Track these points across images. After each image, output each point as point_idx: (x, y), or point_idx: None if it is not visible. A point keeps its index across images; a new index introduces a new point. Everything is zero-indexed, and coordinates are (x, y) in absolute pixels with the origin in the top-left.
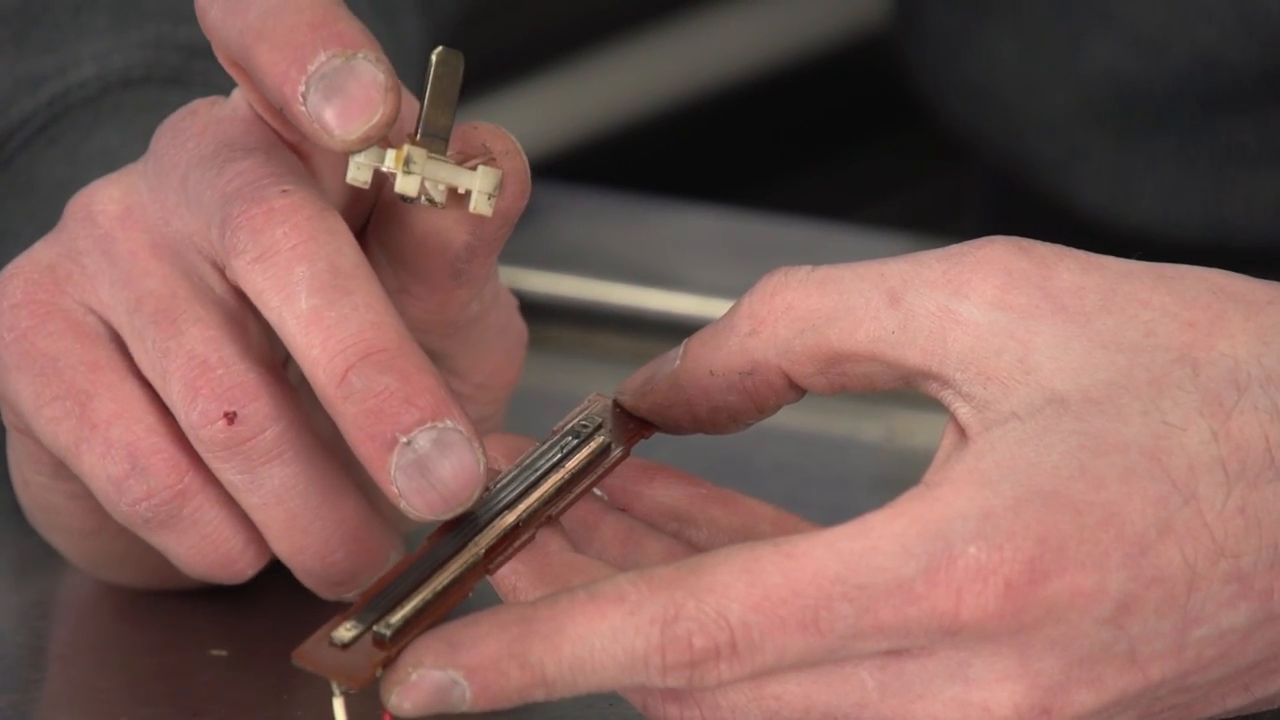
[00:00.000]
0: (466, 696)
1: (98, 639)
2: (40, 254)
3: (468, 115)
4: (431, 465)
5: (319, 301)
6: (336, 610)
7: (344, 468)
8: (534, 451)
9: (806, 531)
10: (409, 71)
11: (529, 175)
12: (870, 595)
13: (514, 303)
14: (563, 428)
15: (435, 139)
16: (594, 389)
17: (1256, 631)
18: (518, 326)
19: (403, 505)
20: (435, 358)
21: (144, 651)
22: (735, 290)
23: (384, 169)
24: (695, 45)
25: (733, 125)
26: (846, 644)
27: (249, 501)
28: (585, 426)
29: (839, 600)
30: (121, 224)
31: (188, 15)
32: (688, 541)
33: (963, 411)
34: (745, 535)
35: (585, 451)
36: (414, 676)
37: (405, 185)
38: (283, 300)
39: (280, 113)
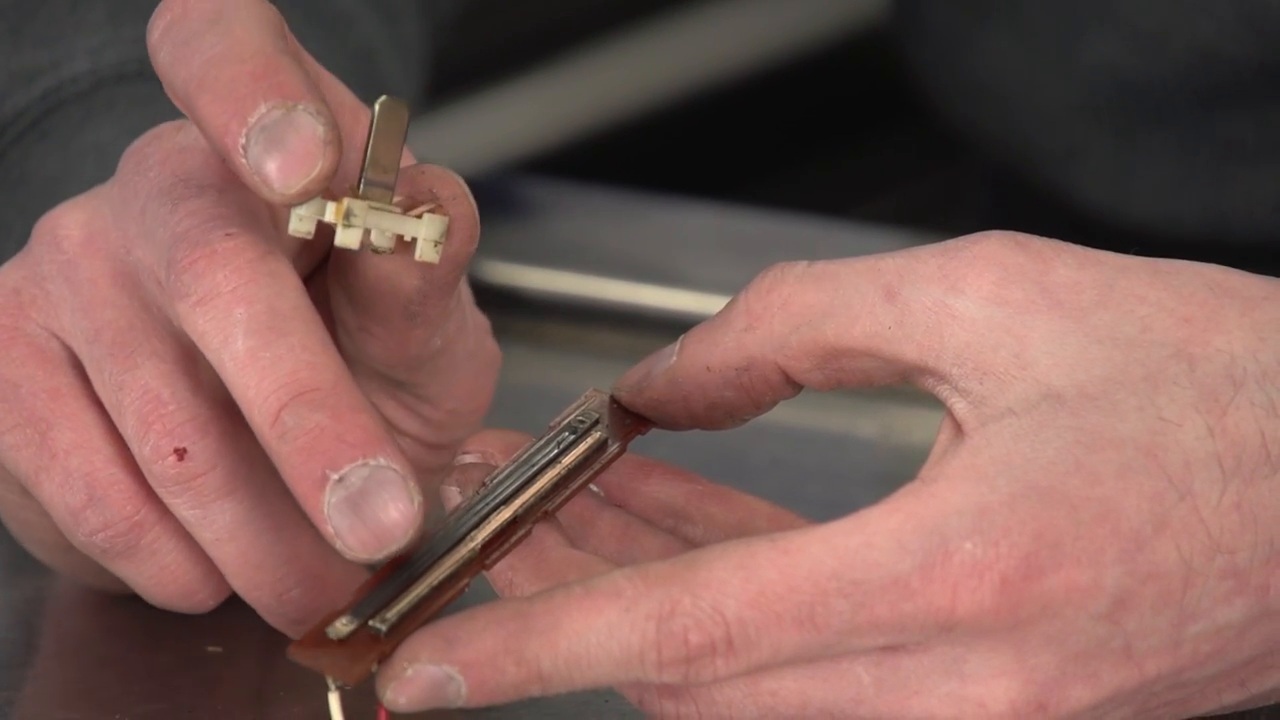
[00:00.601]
0: (462, 692)
1: (92, 636)
2: (6, 277)
3: (467, 112)
4: (364, 503)
5: (255, 343)
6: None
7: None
8: (530, 447)
9: (802, 527)
10: (410, 73)
11: (477, 219)
12: (866, 591)
13: (485, 325)
14: (559, 423)
15: (379, 187)
16: (591, 385)
17: (1252, 627)
18: (489, 350)
19: (338, 545)
20: (403, 388)
21: (138, 648)
22: (732, 286)
23: (325, 220)
24: (693, 41)
25: (730, 121)
26: (842, 640)
27: (202, 537)
28: (582, 422)
29: (835, 596)
30: (84, 250)
31: None
32: (684, 537)
33: (959, 406)
34: (741, 531)
35: (582, 447)
36: (409, 672)
37: (346, 238)
38: (221, 343)
39: None
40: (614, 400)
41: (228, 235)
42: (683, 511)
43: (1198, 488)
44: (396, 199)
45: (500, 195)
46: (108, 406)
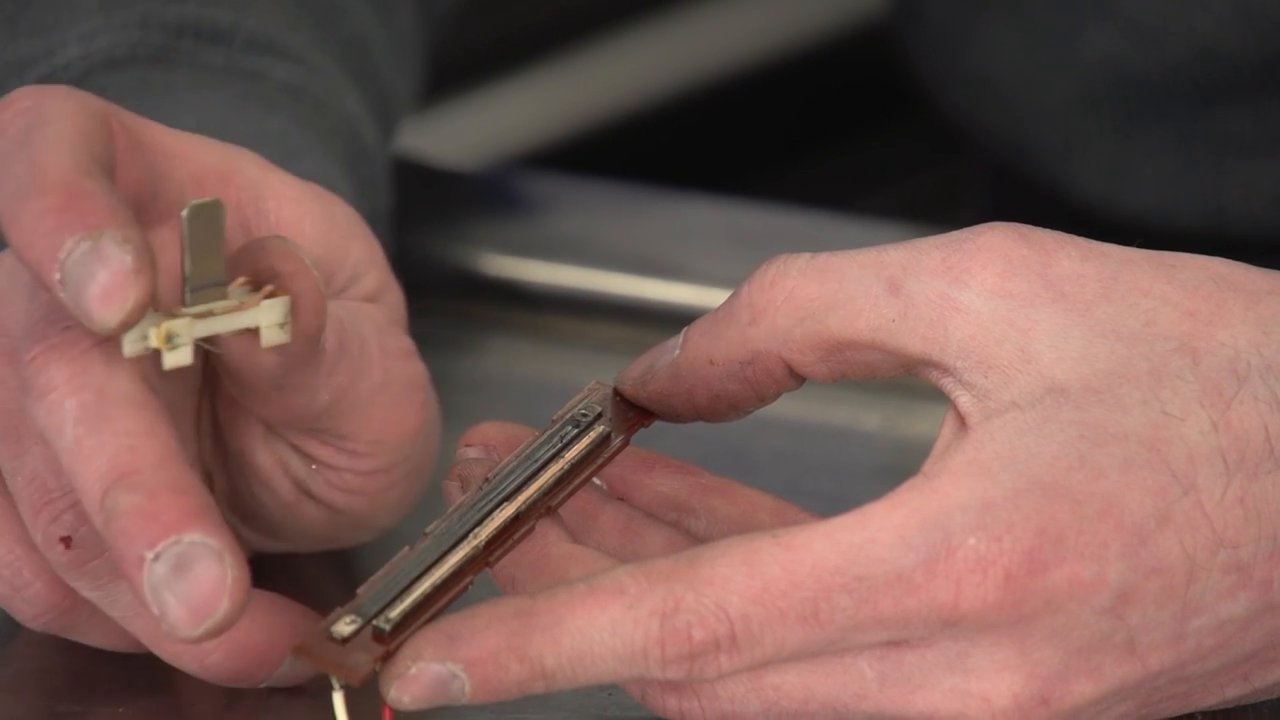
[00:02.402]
0: (466, 690)
1: None
2: None
3: (469, 106)
4: (178, 579)
5: (81, 431)
6: (336, 601)
7: None
8: (533, 441)
9: (805, 521)
10: (405, 66)
11: (321, 291)
12: (869, 587)
13: (402, 349)
14: (562, 417)
15: (209, 287)
16: (593, 378)
17: (1255, 621)
18: (406, 376)
19: (165, 625)
20: (315, 433)
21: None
22: (734, 280)
23: (152, 346)
24: (695, 35)
25: (732, 115)
26: (846, 635)
27: (112, 615)
28: (585, 415)
29: (838, 592)
30: None
31: None
32: (687, 531)
33: (963, 400)
34: (744, 525)
35: (585, 441)
36: (413, 670)
37: (175, 359)
38: (55, 435)
39: None
40: (617, 393)
41: (65, 329)
42: (685, 505)
43: (1201, 482)
44: (238, 283)
45: (502, 189)
46: (11, 493)
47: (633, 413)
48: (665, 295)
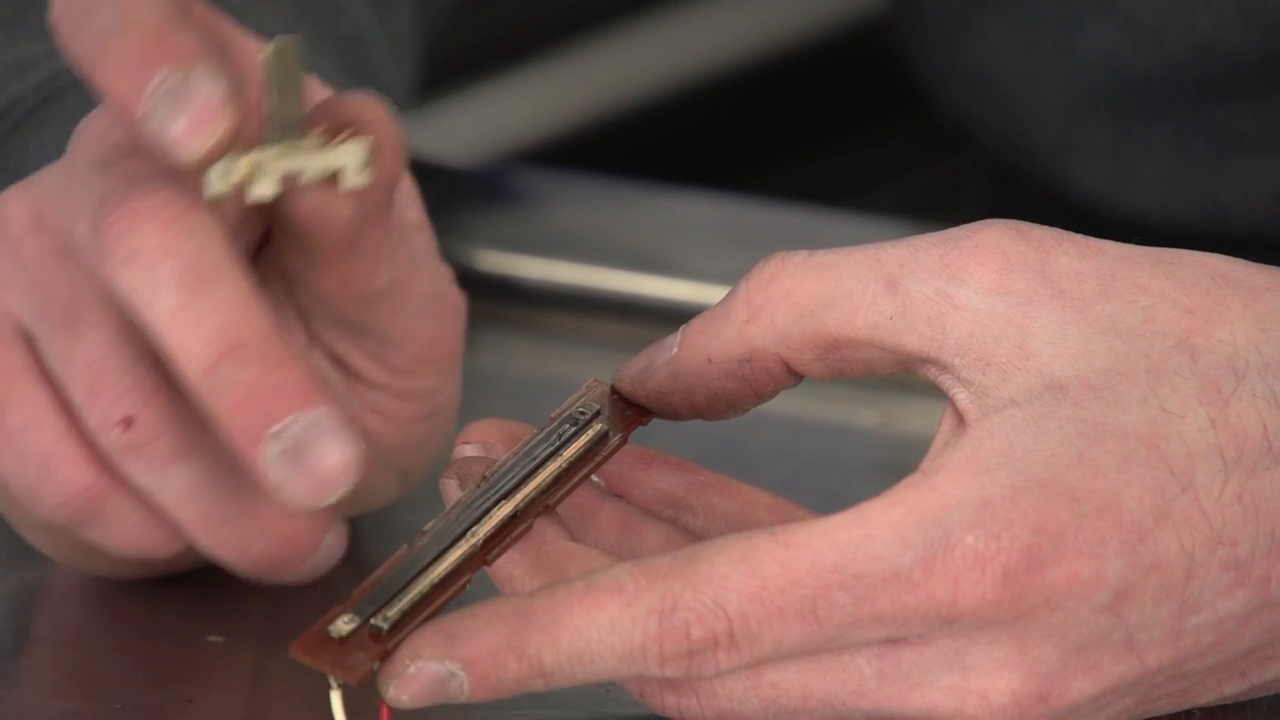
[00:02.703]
0: (464, 688)
1: (91, 625)
2: None
3: (465, 102)
4: (303, 454)
5: (181, 299)
6: (334, 599)
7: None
8: (531, 439)
9: (803, 518)
10: (403, 63)
11: (402, 138)
12: (868, 584)
13: (447, 274)
14: (560, 414)
15: (290, 128)
16: (591, 375)
17: (1253, 618)
18: (451, 296)
19: (282, 496)
20: (364, 333)
21: (139, 637)
22: (732, 276)
23: (236, 180)
24: (693, 32)
25: (730, 111)
26: (844, 633)
27: (160, 502)
28: (583, 413)
29: (836, 590)
30: (31, 229)
31: None
32: (685, 528)
33: (961, 397)
34: (742, 522)
35: (583, 439)
36: (412, 668)
37: (260, 190)
38: (149, 300)
39: None
40: (615, 391)
41: (148, 193)
42: (683, 502)
43: (1200, 479)
44: (318, 131)
45: (498, 185)
46: (57, 381)
47: (630, 410)
48: (662, 291)
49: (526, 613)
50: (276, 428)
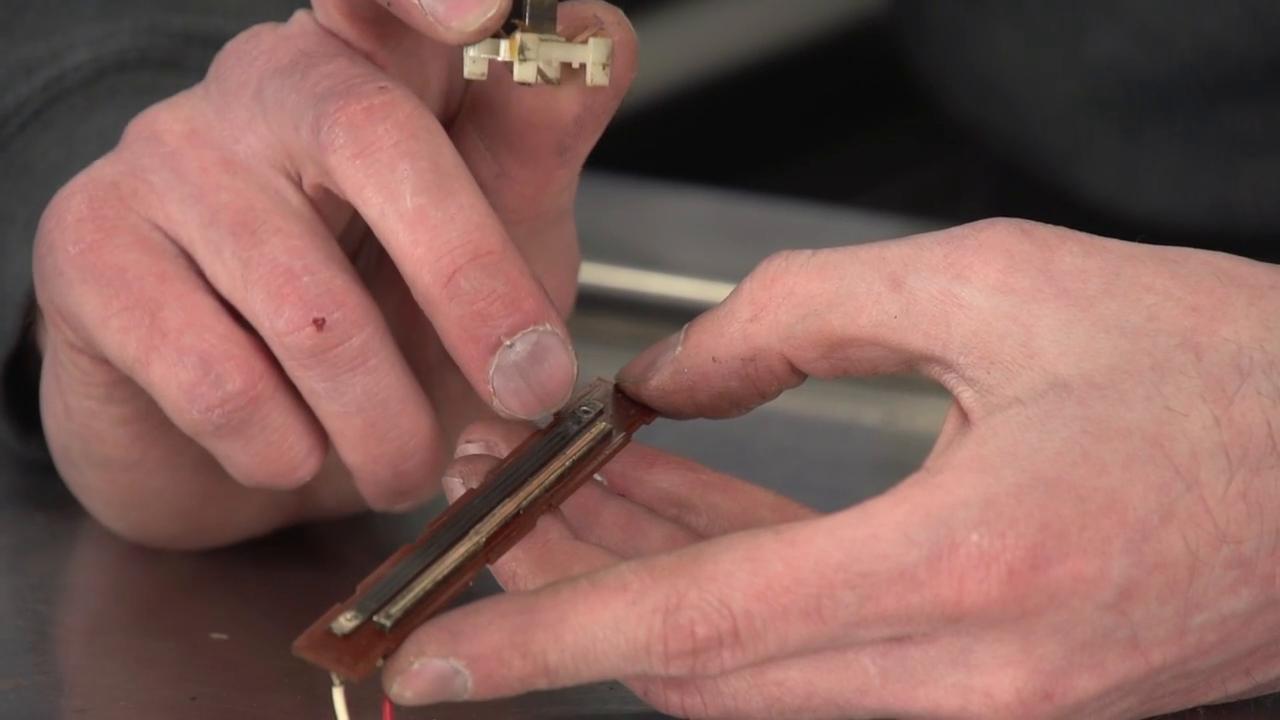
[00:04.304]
0: (468, 686)
1: (97, 623)
2: (103, 171)
3: None
4: (530, 368)
5: (424, 200)
6: (337, 597)
7: (415, 376)
8: (535, 438)
9: (806, 516)
10: None
11: (637, 45)
12: (873, 583)
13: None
14: (564, 413)
15: (544, 19)
16: (593, 373)
17: (1258, 617)
18: (577, 248)
19: (495, 404)
20: None
21: (144, 635)
22: (735, 274)
23: (500, 59)
24: (697, 29)
25: (733, 110)
26: (849, 632)
27: (329, 409)
28: (586, 412)
29: (841, 588)
30: (189, 142)
31: (180, 3)
32: (688, 527)
33: (966, 396)
34: (745, 521)
35: (586, 438)
36: (416, 666)
37: (523, 72)
38: (386, 198)
39: (365, 20)
40: (618, 390)
41: (381, 88)
42: (686, 501)
43: (1204, 478)
44: (559, 29)
45: None
46: (228, 287)
47: (634, 409)
48: (665, 289)
49: (531, 610)
50: (510, 340)
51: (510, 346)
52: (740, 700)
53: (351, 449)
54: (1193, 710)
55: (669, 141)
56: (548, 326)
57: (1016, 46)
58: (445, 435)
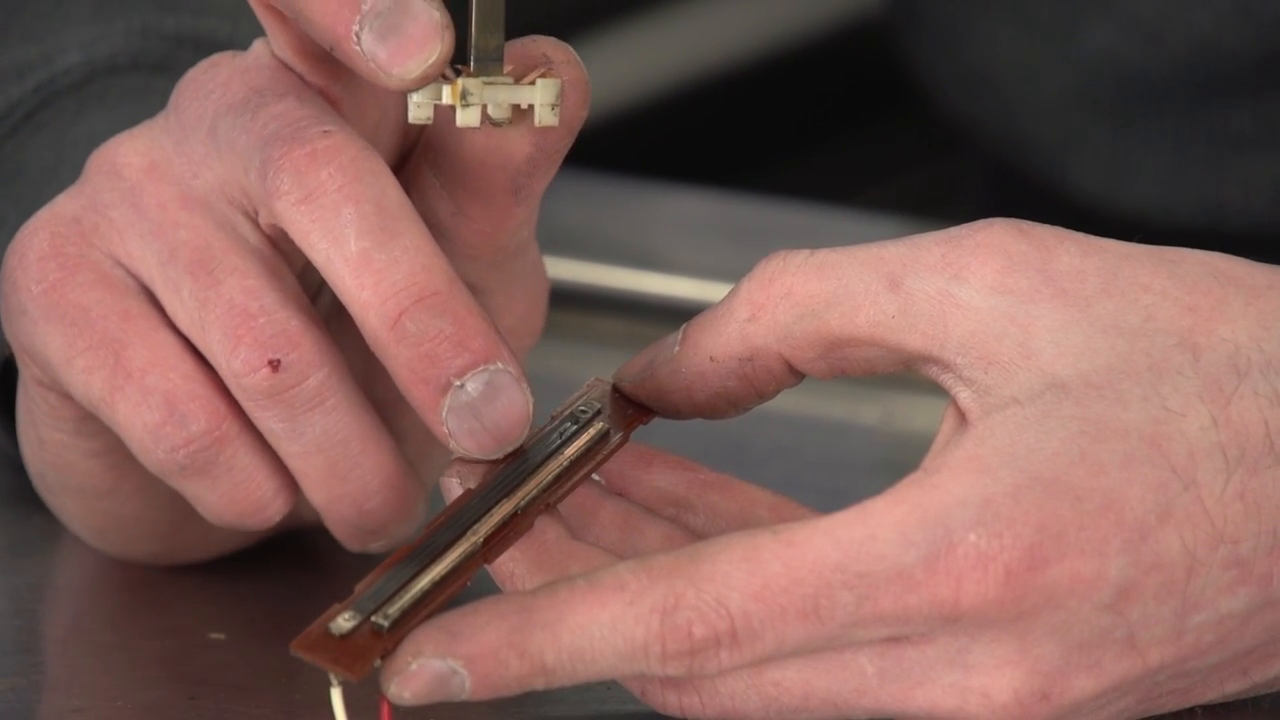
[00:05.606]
0: (466, 686)
1: (94, 622)
2: (64, 207)
3: None
4: (483, 407)
5: (368, 244)
6: (335, 597)
7: (378, 415)
8: (533, 437)
9: (804, 516)
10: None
11: (589, 83)
12: (870, 583)
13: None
14: (561, 413)
15: (489, 61)
16: (591, 373)
17: (1255, 617)
18: (544, 275)
19: (453, 445)
20: (476, 291)
21: (141, 634)
22: (733, 274)
23: (443, 104)
24: (693, 29)
25: (730, 109)
26: (846, 632)
27: (289, 450)
28: (584, 412)
29: (839, 588)
30: (149, 177)
31: (173, 5)
32: (686, 527)
33: (963, 396)
34: (743, 520)
35: (584, 438)
36: (413, 666)
37: (466, 117)
38: (331, 242)
39: (316, 57)
40: (616, 390)
41: (325, 132)
42: (684, 500)
43: (1202, 478)
44: (507, 69)
45: None
46: (188, 326)
47: (631, 409)
48: (663, 289)
49: (528, 610)
50: (460, 380)
51: (461, 387)
52: (738, 700)
53: (315, 489)
54: (1190, 710)
55: (666, 141)
56: (499, 365)
57: (1010, 42)
58: (414, 472)
